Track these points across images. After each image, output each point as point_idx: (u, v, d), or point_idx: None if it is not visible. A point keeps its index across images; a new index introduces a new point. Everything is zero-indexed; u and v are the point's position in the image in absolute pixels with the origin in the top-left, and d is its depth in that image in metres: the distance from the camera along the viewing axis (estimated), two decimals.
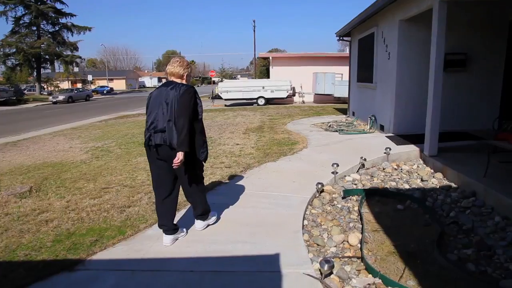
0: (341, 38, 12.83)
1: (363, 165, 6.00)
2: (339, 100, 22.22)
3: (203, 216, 3.57)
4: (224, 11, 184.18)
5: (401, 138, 7.40)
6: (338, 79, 21.49)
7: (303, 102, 22.18)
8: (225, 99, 21.64)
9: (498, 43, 7.75)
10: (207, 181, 5.31)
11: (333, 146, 7.38)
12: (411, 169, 5.96)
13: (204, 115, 15.51)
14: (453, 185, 5.18)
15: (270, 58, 22.94)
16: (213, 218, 3.73)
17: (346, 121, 11.50)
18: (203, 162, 3.36)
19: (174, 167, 3.00)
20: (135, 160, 7.00)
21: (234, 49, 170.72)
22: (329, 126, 10.34)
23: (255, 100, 21.29)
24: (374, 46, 9.24)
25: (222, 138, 9.27)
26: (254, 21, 43.31)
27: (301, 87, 22.38)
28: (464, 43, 7.77)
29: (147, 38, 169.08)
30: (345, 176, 5.63)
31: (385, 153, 6.29)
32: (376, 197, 4.89)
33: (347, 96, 21.10)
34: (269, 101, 21.21)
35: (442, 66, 5.88)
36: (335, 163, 5.26)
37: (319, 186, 4.72)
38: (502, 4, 7.56)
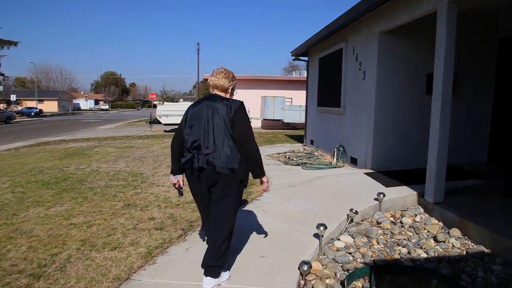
0: (297, 57, 11.48)
1: (351, 219, 4.32)
2: (288, 125, 20.99)
3: (213, 268, 2.67)
4: (168, 32, 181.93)
5: (385, 175, 5.88)
6: (288, 104, 20.31)
7: None
8: (165, 124, 19.41)
9: (487, 63, 6.66)
10: (120, 258, 3.31)
11: (302, 187, 5.65)
12: (414, 223, 4.38)
13: (138, 143, 13.13)
14: (485, 249, 3.64)
15: None
16: (226, 277, 2.81)
17: (305, 152, 9.95)
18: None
19: (264, 191, 2.90)
20: (25, 214, 4.75)
21: (177, 72, 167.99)
22: (288, 158, 8.68)
23: None
24: (342, 65, 7.85)
25: (156, 175, 7.20)
26: (198, 44, 42.25)
27: (248, 111, 20.78)
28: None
29: (85, 58, 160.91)
30: (333, 239, 3.88)
31: (376, 199, 4.69)
32: (387, 277, 3.19)
33: (298, 121, 20.11)
34: None
35: (451, 86, 4.46)
36: (321, 224, 3.49)
37: (305, 268, 2.91)
38: (492, 21, 6.52)
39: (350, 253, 3.62)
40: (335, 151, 7.99)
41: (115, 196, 5.64)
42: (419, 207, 4.81)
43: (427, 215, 4.62)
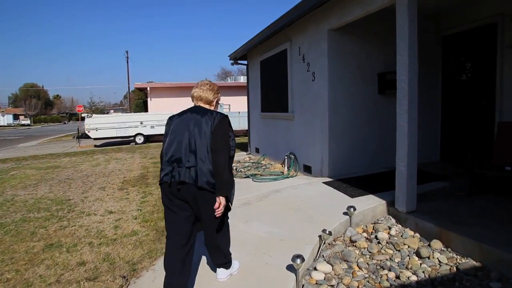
0: (236, 61, 10.87)
1: (324, 242, 3.74)
2: None
3: (227, 264, 2.93)
4: (95, 40, 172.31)
5: (346, 184, 5.44)
6: (226, 110, 19.69)
7: None
8: (95, 139, 17.74)
9: (433, 60, 6.57)
10: None
11: (258, 205, 4.99)
12: (390, 237, 3.93)
13: (64, 162, 11.57)
14: (475, 263, 3.26)
15: (148, 88, 19.99)
16: (236, 266, 3.06)
17: (252, 161, 9.34)
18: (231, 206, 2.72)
19: (216, 215, 2.49)
20: None
21: (107, 82, 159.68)
22: (235, 169, 7.98)
23: (132, 138, 17.90)
24: (287, 67, 7.36)
25: (87, 200, 6.12)
26: (127, 52, 39.74)
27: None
28: None
29: (1, 69, 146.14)
30: (309, 270, 3.26)
31: (346, 213, 4.17)
32: None
33: (237, 128, 19.51)
34: (149, 139, 18.05)
35: (417, 84, 4.10)
36: (298, 256, 2.85)
37: None
38: (435, 18, 6.43)
39: (333, 286, 3.02)
40: (286, 159, 7.47)
41: (33, 234, 4.56)
42: (390, 217, 4.38)
43: (400, 226, 4.21)
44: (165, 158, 2.60)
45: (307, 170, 6.76)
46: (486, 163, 4.84)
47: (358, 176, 5.81)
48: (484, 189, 4.84)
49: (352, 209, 4.08)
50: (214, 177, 2.50)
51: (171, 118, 2.76)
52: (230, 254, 2.95)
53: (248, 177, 7.03)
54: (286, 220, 4.25)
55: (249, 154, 10.89)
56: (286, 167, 7.43)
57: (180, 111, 2.79)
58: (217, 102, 2.89)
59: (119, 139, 18.21)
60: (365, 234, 4.04)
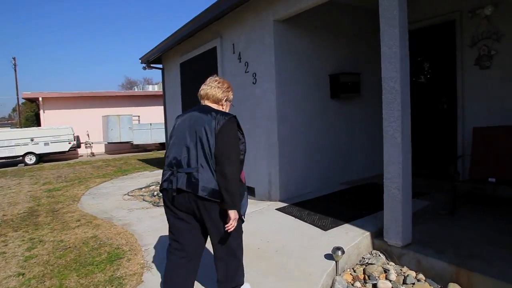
0: (149, 65, 9.29)
1: None
2: (138, 148, 18.28)
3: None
4: None
5: (307, 209, 4.39)
6: (135, 123, 17.66)
7: (93, 154, 17.07)
8: None
9: None
10: None
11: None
12: (393, 284, 2.93)
13: None
14: None
15: (40, 99, 16.89)
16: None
17: None
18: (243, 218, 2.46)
19: (228, 230, 2.23)
20: None
21: None
22: (157, 195, 6.46)
23: (20, 158, 14.84)
24: (217, 68, 6.14)
25: None
26: (14, 59, 34.29)
27: (87, 135, 17.27)
28: (354, 58, 5.61)
29: None
30: None
31: (329, 257, 3.10)
32: None
33: (150, 142, 17.56)
34: (43, 158, 15.17)
35: (409, 84, 3.22)
36: None
37: None
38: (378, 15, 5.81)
39: None
40: None
41: None
42: (379, 253, 3.42)
43: (394, 264, 3.26)
44: (166, 162, 2.42)
45: (249, 192, 5.58)
46: (455, 174, 4.23)
47: (318, 198, 4.81)
48: (463, 202, 4.23)
49: (339, 252, 3.00)
50: (220, 188, 2.21)
51: (177, 117, 2.54)
52: (243, 276, 2.53)
53: None
54: (247, 277, 2.99)
55: None
56: None
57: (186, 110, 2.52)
58: (226, 102, 2.55)
59: (4, 160, 14.94)
60: (358, 284, 2.99)
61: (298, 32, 4.95)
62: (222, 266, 2.42)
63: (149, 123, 17.23)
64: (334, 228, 3.71)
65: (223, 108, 2.53)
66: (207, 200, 2.21)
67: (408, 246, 3.25)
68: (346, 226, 3.73)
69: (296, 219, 4.11)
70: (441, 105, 5.23)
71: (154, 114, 18.24)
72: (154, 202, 5.90)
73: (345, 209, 4.24)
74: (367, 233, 3.52)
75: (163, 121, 9.85)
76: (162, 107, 9.75)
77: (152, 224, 4.60)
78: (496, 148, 4.08)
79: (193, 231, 2.38)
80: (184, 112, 2.53)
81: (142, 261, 3.41)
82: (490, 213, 3.99)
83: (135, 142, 16.87)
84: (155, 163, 11.84)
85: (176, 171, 2.28)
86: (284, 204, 4.71)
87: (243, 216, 2.44)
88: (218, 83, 2.51)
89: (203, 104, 2.50)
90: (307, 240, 3.53)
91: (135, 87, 29.95)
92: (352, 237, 3.46)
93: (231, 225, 2.22)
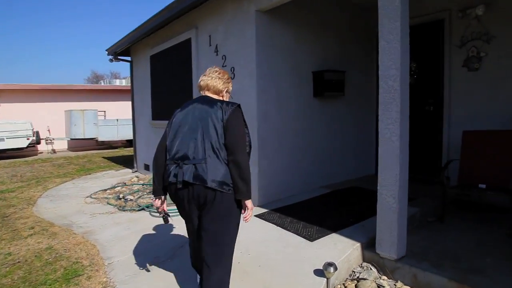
0: (116, 57, 8.67)
1: None
2: (103, 144, 17.38)
3: None
4: None
5: (290, 216, 4.07)
6: (101, 118, 16.78)
7: (54, 151, 16.00)
8: None
9: (369, 59, 5.73)
10: None
11: (174, 266, 3.23)
12: None
13: None
14: None
15: None
16: None
17: (142, 182, 7.35)
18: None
19: (246, 221, 2.26)
20: None
21: None
22: (123, 198, 5.94)
23: None
24: (192, 62, 5.70)
25: None
26: None
27: (48, 130, 16.21)
28: (339, 55, 5.33)
29: None
30: None
31: (319, 273, 2.77)
32: None
33: (116, 139, 16.73)
34: None
35: (408, 82, 2.95)
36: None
37: None
38: (365, 10, 5.59)
39: None
40: None
41: None
42: (370, 266, 3.13)
43: (385, 278, 2.99)
44: (169, 156, 2.29)
45: None
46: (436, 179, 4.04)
47: (299, 203, 4.50)
48: (451, 208, 4.06)
49: (332, 269, 2.68)
50: (234, 178, 2.16)
51: (176, 111, 2.43)
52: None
53: (142, 209, 5.14)
54: None
55: (136, 172, 8.79)
56: None
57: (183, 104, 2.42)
58: (227, 92, 2.52)
59: None
60: None
61: (281, 25, 4.61)
62: (208, 274, 2.24)
63: (115, 119, 16.39)
64: (321, 238, 3.39)
65: (224, 99, 2.45)
66: (217, 191, 2.13)
67: (402, 259, 2.99)
68: (334, 236, 3.42)
69: (279, 227, 3.77)
70: (428, 106, 5.04)
71: (122, 110, 17.41)
72: (120, 206, 5.40)
73: (330, 216, 3.94)
74: (357, 244, 3.23)
75: (131, 117, 9.25)
76: (130, 102, 9.16)
77: (117, 232, 4.12)
78: (487, 153, 3.91)
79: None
80: (184, 104, 2.43)
81: (104, 279, 2.95)
82: (481, 220, 3.82)
83: (100, 139, 15.99)
84: (122, 161, 11.18)
85: (183, 163, 2.19)
86: (264, 210, 4.36)
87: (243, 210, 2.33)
88: (219, 73, 2.47)
89: (204, 95, 2.44)
90: (292, 252, 3.19)
91: (102, 81, 28.71)
92: (342, 249, 3.16)
93: (248, 215, 2.24)
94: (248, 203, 2.21)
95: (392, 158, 2.89)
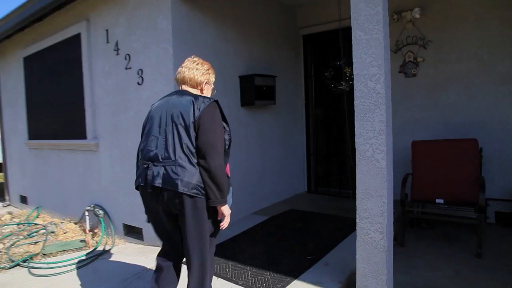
0: None
1: None
2: None
3: None
4: None
5: (230, 260, 3.16)
6: None
7: None
8: None
9: (295, 64, 5.18)
10: None
11: None
12: None
13: None
14: None
15: None
16: None
17: (17, 221, 5.65)
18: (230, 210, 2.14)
19: (222, 228, 2.13)
20: None
21: None
22: None
23: None
24: (82, 64, 4.44)
25: None
26: None
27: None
28: (265, 57, 4.63)
29: None
30: None
31: None
32: None
33: None
34: None
35: (390, 82, 2.33)
36: None
37: None
38: (293, 13, 5.04)
39: None
40: (86, 217, 4.46)
41: None
42: None
43: None
44: (140, 155, 2.11)
45: (133, 234, 4.06)
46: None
47: (237, 237, 3.61)
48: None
49: None
50: (205, 184, 1.94)
51: (152, 104, 2.23)
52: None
53: (18, 264, 3.70)
54: None
55: (8, 205, 6.90)
56: (87, 226, 4.44)
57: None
58: (207, 85, 2.23)
59: None
60: None
61: (203, 19, 3.73)
62: (196, 272, 2.07)
63: None
64: None
65: (203, 93, 2.20)
66: (189, 196, 1.92)
67: None
68: (297, 285, 2.62)
69: (222, 279, 2.82)
70: (341, 113, 4.67)
71: None
72: None
73: (280, 253, 3.15)
74: None
75: None
76: None
77: None
78: (441, 165, 3.55)
79: (173, 226, 2.10)
80: (161, 98, 2.21)
81: None
82: (443, 239, 3.50)
83: None
84: None
85: (152, 164, 1.99)
86: None
87: (230, 208, 2.18)
88: (197, 64, 2.21)
89: (180, 89, 2.21)
90: None
91: None
92: None
93: (226, 222, 2.11)
94: (224, 209, 2.04)
95: (377, 181, 2.22)
